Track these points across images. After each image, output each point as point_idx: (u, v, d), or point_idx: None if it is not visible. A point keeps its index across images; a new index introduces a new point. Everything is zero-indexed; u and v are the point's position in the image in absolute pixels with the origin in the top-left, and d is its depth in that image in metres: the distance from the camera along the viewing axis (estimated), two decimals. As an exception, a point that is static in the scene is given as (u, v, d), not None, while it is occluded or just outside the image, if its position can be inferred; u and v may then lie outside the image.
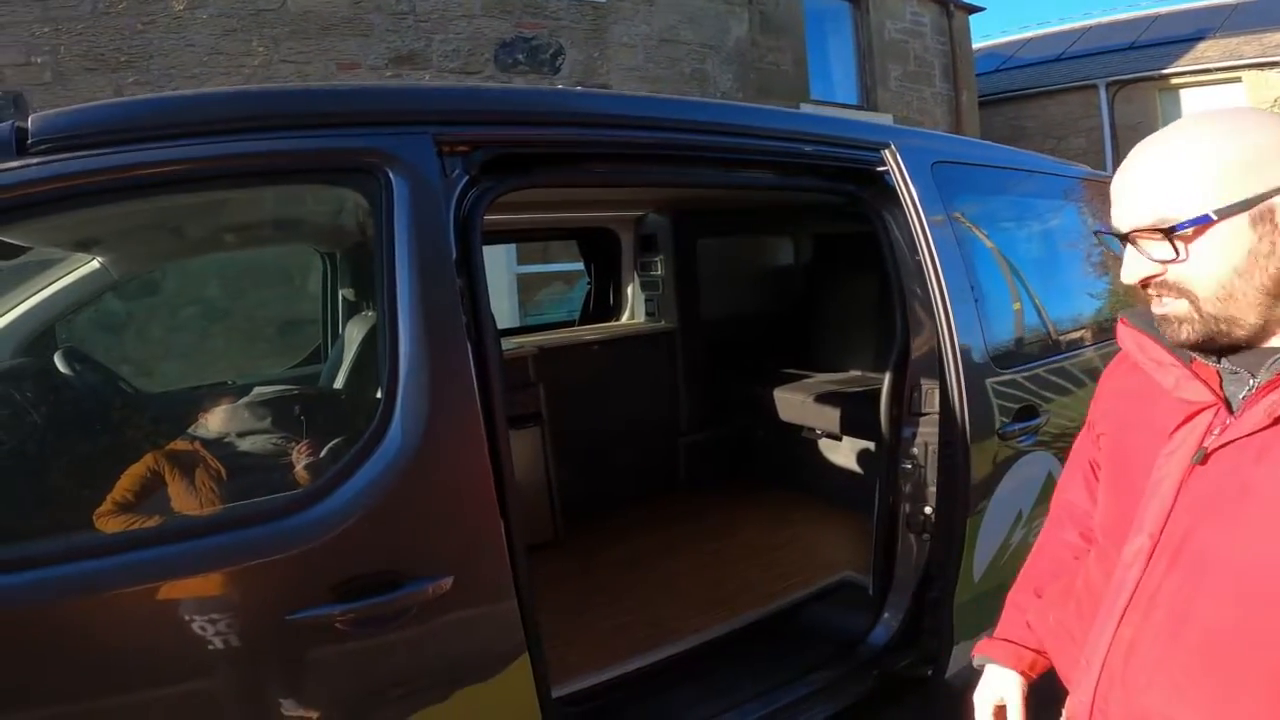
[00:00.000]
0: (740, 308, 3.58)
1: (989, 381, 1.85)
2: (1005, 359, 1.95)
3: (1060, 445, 2.01)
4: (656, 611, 2.25)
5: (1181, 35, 12.35)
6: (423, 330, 1.20)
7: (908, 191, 1.81)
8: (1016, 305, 2.16)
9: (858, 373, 3.15)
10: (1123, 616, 0.84)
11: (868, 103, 8.52)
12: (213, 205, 1.80)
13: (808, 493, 3.10)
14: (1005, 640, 1.09)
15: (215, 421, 1.65)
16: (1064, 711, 1.01)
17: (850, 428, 2.80)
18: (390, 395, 1.19)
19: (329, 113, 1.29)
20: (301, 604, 1.09)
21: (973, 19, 9.96)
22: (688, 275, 3.39)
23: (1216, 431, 0.79)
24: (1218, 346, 0.79)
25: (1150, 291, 0.81)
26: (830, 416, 2.85)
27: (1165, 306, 0.80)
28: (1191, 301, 0.77)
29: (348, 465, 1.16)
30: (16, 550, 1.07)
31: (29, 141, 1.10)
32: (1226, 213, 0.73)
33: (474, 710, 1.30)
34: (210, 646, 1.06)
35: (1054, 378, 2.09)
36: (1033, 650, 1.06)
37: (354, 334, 2.19)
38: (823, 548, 2.66)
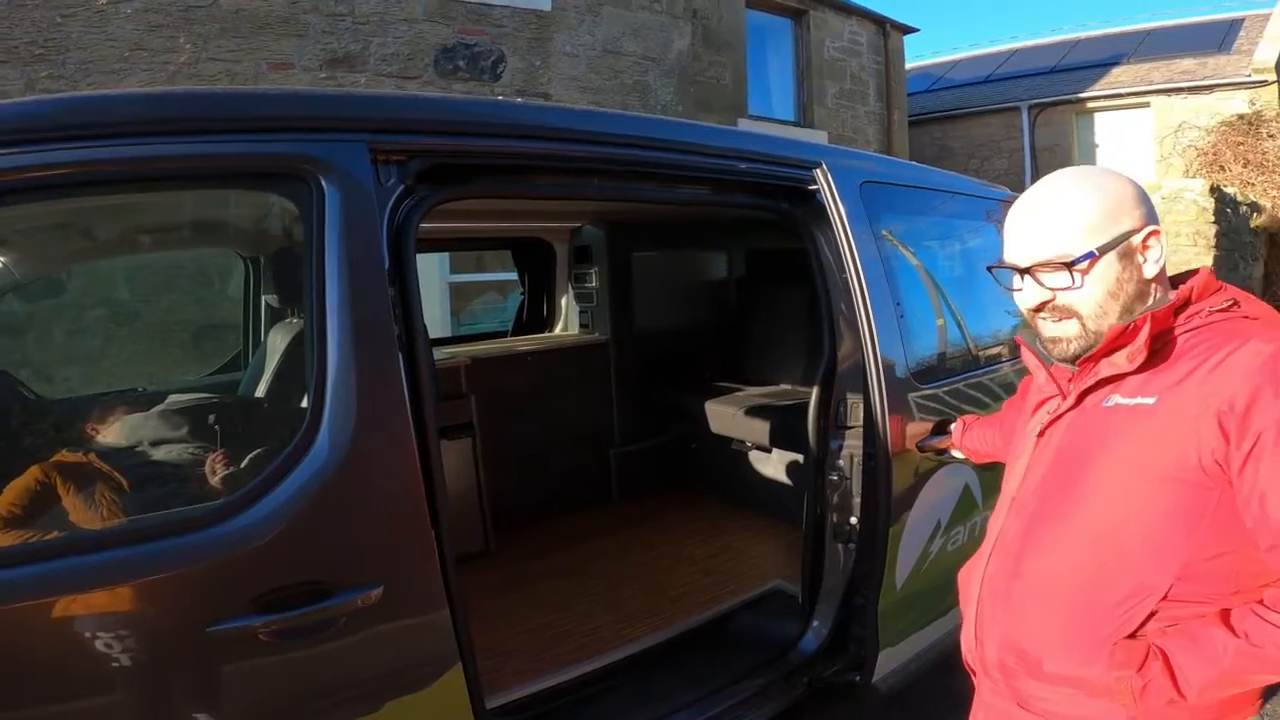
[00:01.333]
0: (674, 320, 3.62)
1: (910, 396, 1.90)
2: (926, 374, 1.99)
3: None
4: (593, 620, 2.26)
5: (1098, 60, 12.96)
6: (352, 339, 1.19)
7: (837, 210, 1.86)
8: (938, 322, 2.22)
9: (788, 386, 3.23)
10: (988, 562, 1.10)
11: (804, 119, 8.71)
12: (130, 207, 1.74)
13: (740, 503, 3.16)
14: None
15: (124, 430, 1.59)
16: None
17: (779, 440, 2.86)
18: (318, 404, 1.18)
19: (261, 116, 1.25)
20: (223, 615, 1.07)
21: (906, 39, 10.30)
22: (622, 287, 3.41)
23: (1052, 413, 1.05)
24: (1091, 357, 1.00)
25: (1042, 316, 1.01)
26: (760, 429, 2.92)
27: (1055, 329, 1.01)
28: (1079, 320, 0.98)
29: (272, 475, 1.14)
30: None
31: None
32: (1105, 249, 0.95)
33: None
34: (129, 659, 1.03)
35: (973, 392, 2.15)
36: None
37: (277, 341, 2.14)
38: (755, 557, 2.71)
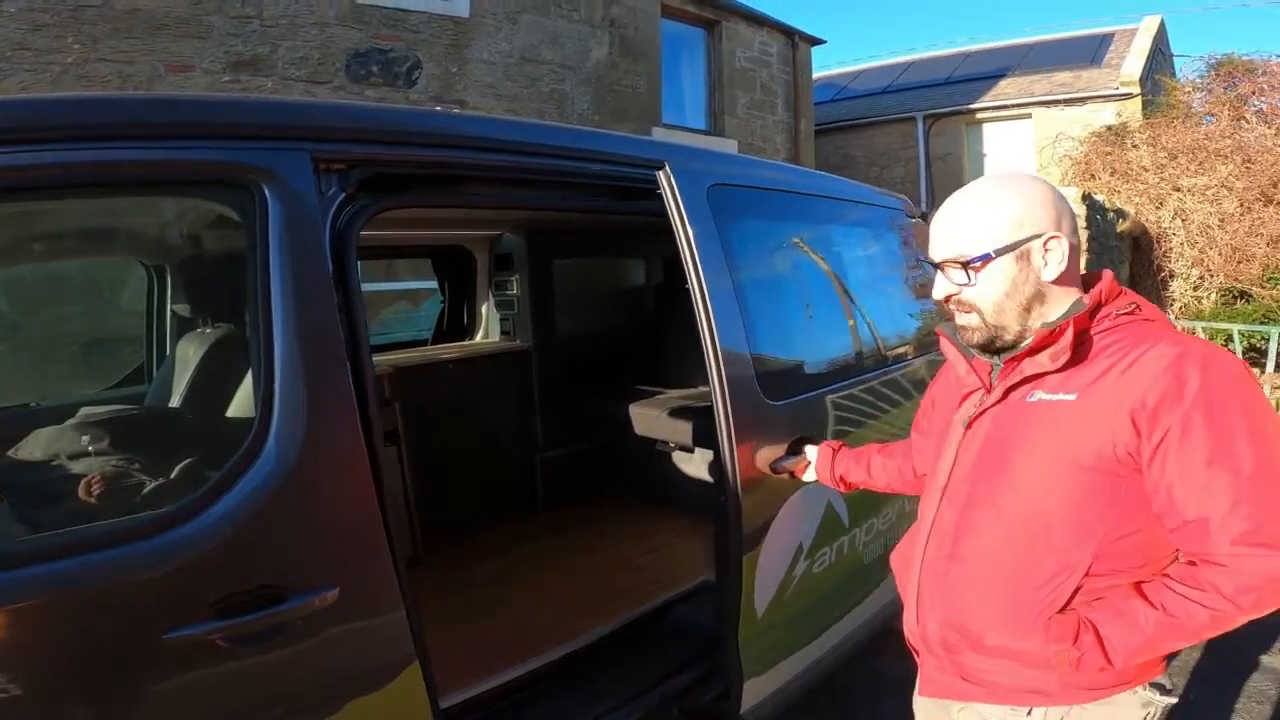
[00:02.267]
0: (595, 326, 3.67)
1: (761, 411, 1.82)
2: (782, 387, 1.91)
3: None
4: (530, 621, 2.30)
5: (986, 73, 13.67)
6: (298, 345, 1.20)
7: (678, 212, 1.80)
8: (800, 333, 2.17)
9: (706, 388, 3.33)
10: (925, 547, 1.18)
11: (715, 128, 8.96)
12: (31, 215, 1.68)
13: (667, 504, 3.21)
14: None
15: (44, 443, 1.55)
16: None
17: (701, 440, 2.93)
18: (265, 411, 1.19)
19: (202, 123, 1.25)
20: (180, 622, 1.08)
21: (813, 50, 10.71)
22: (543, 294, 3.44)
23: (978, 406, 1.13)
24: (995, 348, 1.11)
25: (951, 306, 1.13)
26: (683, 430, 2.99)
27: (963, 319, 1.12)
28: (980, 314, 1.09)
29: (221, 482, 1.15)
30: None
31: None
32: (1001, 252, 1.05)
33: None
34: (85, 669, 1.04)
35: (843, 404, 2.12)
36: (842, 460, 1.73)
37: (189, 352, 2.08)
38: (685, 554, 2.75)
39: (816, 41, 10.52)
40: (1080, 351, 1.04)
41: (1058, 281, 1.07)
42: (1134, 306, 1.07)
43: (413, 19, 5.29)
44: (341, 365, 1.25)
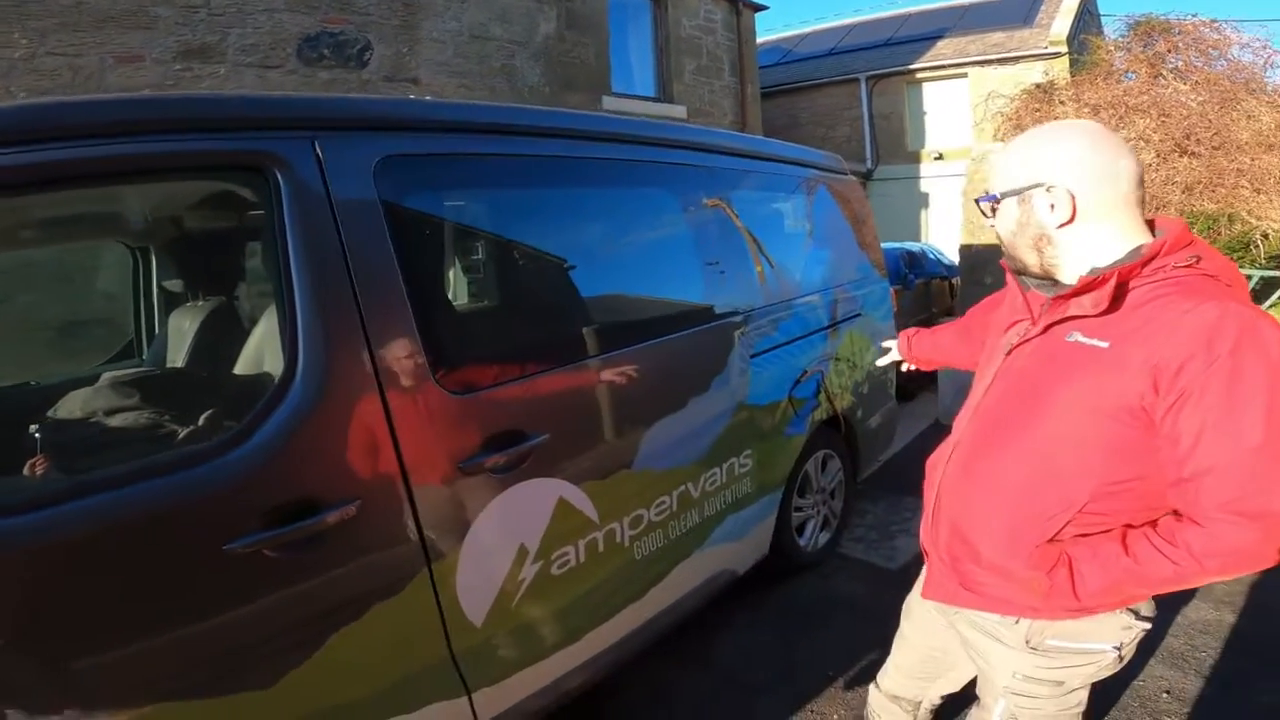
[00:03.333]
0: None
1: (440, 405, 1.60)
2: (471, 380, 1.68)
3: (577, 466, 1.86)
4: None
5: (925, 33, 14.02)
6: (315, 298, 1.43)
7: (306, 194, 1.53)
8: (504, 315, 2.00)
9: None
10: (949, 459, 1.27)
11: (664, 95, 9.16)
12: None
13: None
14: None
15: (76, 405, 1.78)
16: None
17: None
18: (291, 354, 1.41)
19: (225, 118, 1.45)
20: (236, 534, 1.30)
21: (757, 15, 10.91)
22: None
23: (1021, 336, 1.19)
24: (1025, 275, 1.19)
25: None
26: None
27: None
28: (1001, 244, 1.20)
29: (257, 415, 1.37)
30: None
31: None
32: (1006, 195, 1.15)
33: (387, 625, 1.51)
34: (160, 578, 1.26)
35: (559, 392, 1.87)
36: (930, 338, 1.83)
37: (185, 323, 2.29)
38: None
39: (759, 8, 10.70)
40: (1123, 300, 1.04)
41: (1079, 225, 1.08)
42: (1195, 259, 1.04)
43: (361, 1, 5.36)
44: (353, 311, 1.48)
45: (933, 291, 7.45)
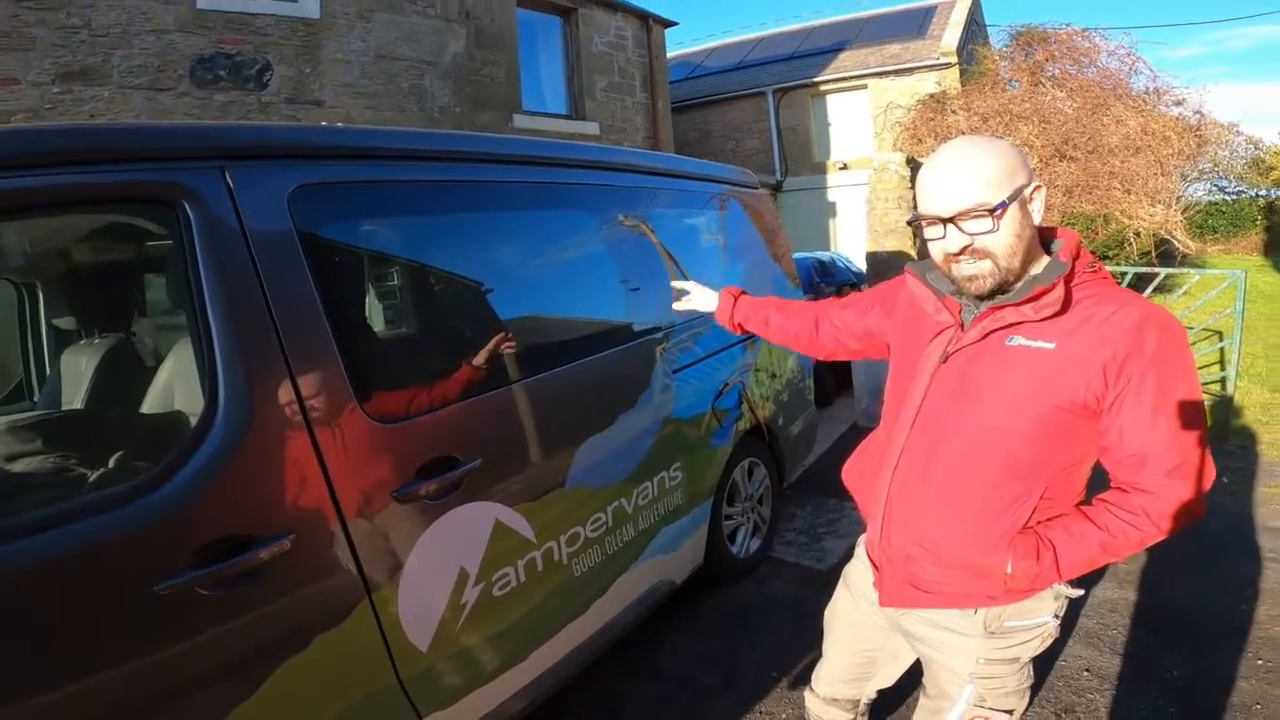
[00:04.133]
0: None
1: (364, 431, 1.57)
2: (398, 409, 1.67)
3: (510, 488, 1.88)
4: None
5: (828, 46, 14.51)
6: (236, 335, 1.40)
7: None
8: (428, 343, 1.96)
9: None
10: (895, 469, 1.29)
11: (576, 112, 9.22)
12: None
13: None
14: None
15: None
16: (859, 541, 1.51)
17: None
18: (211, 390, 1.38)
19: (125, 149, 1.40)
20: (167, 573, 1.27)
21: (666, 32, 11.11)
22: None
23: (953, 343, 1.23)
24: (999, 292, 1.18)
25: (960, 258, 1.17)
26: None
27: (971, 268, 1.16)
28: (994, 260, 1.14)
29: (179, 455, 1.34)
30: None
31: None
32: (1011, 199, 1.12)
33: (332, 655, 1.50)
34: (93, 624, 1.21)
35: (489, 417, 1.87)
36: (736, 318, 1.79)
37: (81, 362, 2.19)
38: None
39: (669, 24, 10.91)
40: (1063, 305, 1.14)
41: (1034, 228, 1.17)
42: (1094, 265, 1.18)
43: (259, 22, 5.18)
44: (273, 343, 1.45)
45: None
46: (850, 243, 12.43)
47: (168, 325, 2.63)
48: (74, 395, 2.14)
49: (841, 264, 8.36)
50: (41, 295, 2.52)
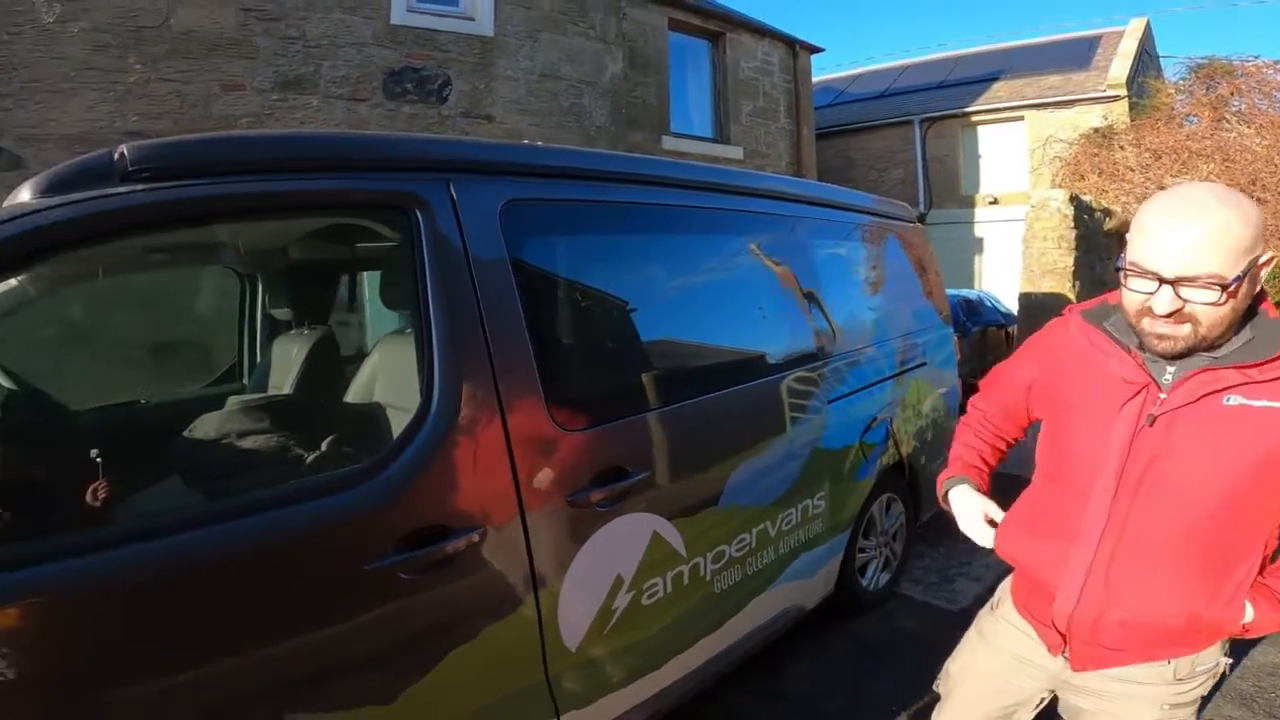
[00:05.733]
0: None
1: (552, 438, 1.67)
2: (582, 417, 1.76)
3: (670, 502, 1.93)
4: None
5: (979, 76, 14.01)
6: (450, 333, 1.52)
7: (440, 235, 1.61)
8: (611, 357, 2.04)
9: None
10: (1100, 539, 1.21)
11: (722, 136, 9.31)
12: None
13: None
14: (967, 469, 1.54)
15: (210, 427, 1.89)
16: (1005, 601, 1.47)
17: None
18: (428, 386, 1.50)
19: (372, 159, 1.58)
20: (376, 555, 1.38)
21: (812, 57, 11.04)
22: None
23: (1156, 404, 1.16)
24: (1185, 355, 1.13)
25: (1168, 319, 1.09)
26: None
27: (1169, 329, 1.10)
28: (1194, 326, 1.09)
29: (397, 444, 1.46)
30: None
31: (129, 170, 1.28)
32: (1245, 273, 1.06)
33: (495, 646, 1.58)
34: (310, 593, 1.35)
35: (659, 431, 1.93)
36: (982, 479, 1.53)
37: (292, 350, 2.41)
38: None
39: (815, 50, 10.85)
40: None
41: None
42: None
43: (442, 38, 5.60)
44: (481, 346, 1.57)
45: (989, 340, 7.38)
46: (997, 281, 11.81)
47: (371, 322, 2.90)
48: (283, 381, 2.37)
49: (989, 303, 7.92)
50: (261, 287, 2.83)
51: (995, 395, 1.56)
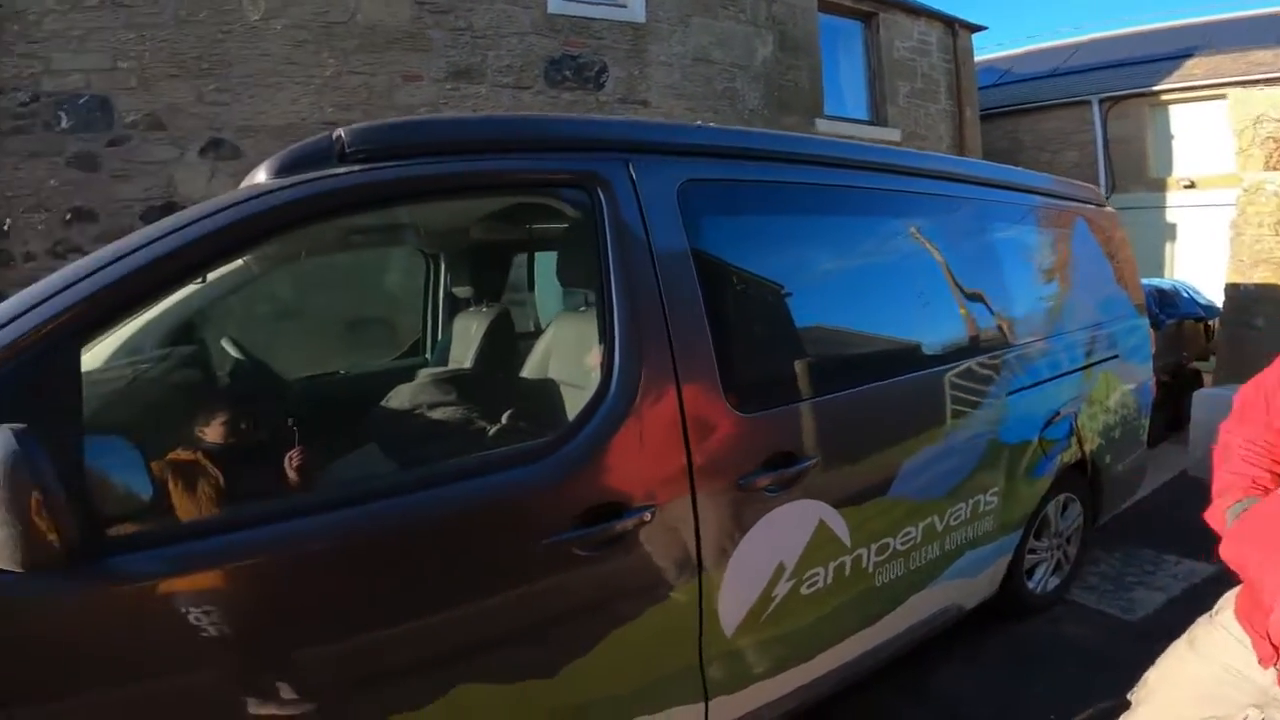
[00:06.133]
0: None
1: (728, 421, 1.65)
2: (759, 398, 1.74)
3: (838, 490, 1.88)
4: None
5: (1169, 53, 12.66)
6: (631, 313, 1.53)
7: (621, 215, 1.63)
8: (784, 340, 1.98)
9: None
10: None
11: (878, 118, 8.94)
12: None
13: None
14: (1252, 489, 1.41)
15: (403, 398, 2.03)
16: (1227, 614, 1.40)
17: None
18: (608, 362, 1.52)
19: (560, 139, 1.63)
20: (554, 530, 1.41)
21: (974, 36, 10.36)
22: None
23: None
24: None
25: None
26: None
27: None
28: None
29: (577, 420, 1.49)
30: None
31: (346, 151, 1.38)
32: None
33: (655, 627, 1.58)
34: (492, 564, 1.40)
35: (830, 417, 1.87)
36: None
37: (471, 326, 2.52)
38: None
39: (977, 29, 10.19)
40: None
41: None
42: None
43: (596, 26, 5.73)
44: (661, 325, 1.57)
45: (1185, 334, 6.54)
46: (1192, 270, 10.57)
47: (539, 300, 3.02)
48: (463, 356, 2.47)
49: (1186, 293, 7.00)
50: (444, 266, 2.99)
51: (1256, 415, 1.45)
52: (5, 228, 4.33)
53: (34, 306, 1.16)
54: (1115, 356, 3.08)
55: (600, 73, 5.63)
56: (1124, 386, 3.16)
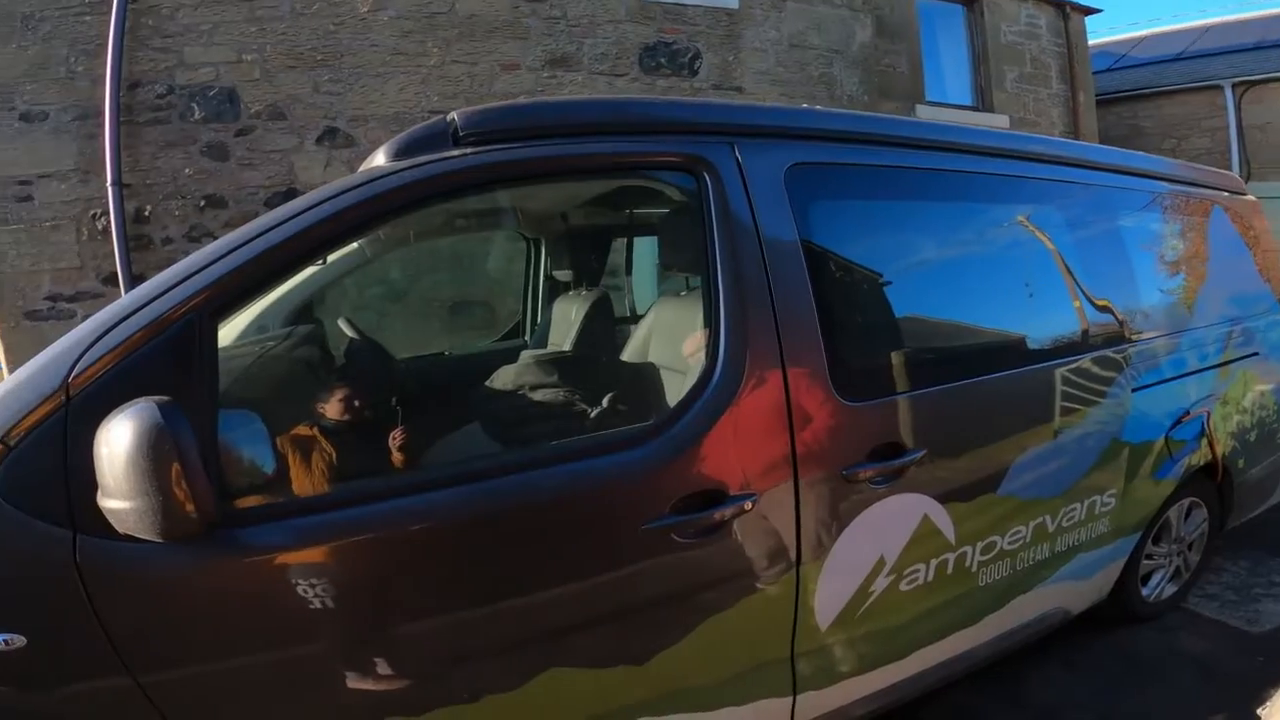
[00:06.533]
0: None
1: (834, 411, 1.61)
2: (868, 387, 1.70)
3: (945, 485, 1.81)
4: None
5: None
6: (738, 298, 1.52)
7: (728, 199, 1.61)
8: (892, 328, 1.92)
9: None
10: None
11: (983, 104, 8.55)
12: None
13: None
14: None
15: (507, 379, 2.07)
16: None
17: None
18: (713, 346, 1.50)
19: (668, 123, 1.62)
20: (653, 515, 1.41)
21: (1087, 19, 9.76)
22: None
23: None
24: None
25: None
26: None
27: None
28: None
29: (680, 405, 1.48)
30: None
31: (460, 135, 1.42)
32: None
33: (747, 618, 1.55)
34: (591, 545, 1.42)
35: (939, 409, 1.81)
36: None
37: (571, 310, 2.54)
38: None
39: (1091, 11, 9.59)
40: None
41: None
42: None
43: (690, 12, 5.69)
44: (768, 309, 1.54)
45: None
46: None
47: (635, 285, 3.04)
48: (562, 339, 2.50)
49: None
50: (544, 250, 3.04)
51: None
52: (147, 214, 4.67)
53: (174, 285, 1.22)
54: (1255, 354, 2.87)
55: (694, 59, 5.60)
56: (1263, 386, 2.95)
